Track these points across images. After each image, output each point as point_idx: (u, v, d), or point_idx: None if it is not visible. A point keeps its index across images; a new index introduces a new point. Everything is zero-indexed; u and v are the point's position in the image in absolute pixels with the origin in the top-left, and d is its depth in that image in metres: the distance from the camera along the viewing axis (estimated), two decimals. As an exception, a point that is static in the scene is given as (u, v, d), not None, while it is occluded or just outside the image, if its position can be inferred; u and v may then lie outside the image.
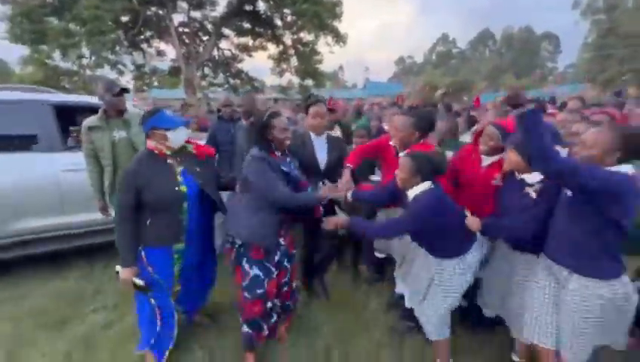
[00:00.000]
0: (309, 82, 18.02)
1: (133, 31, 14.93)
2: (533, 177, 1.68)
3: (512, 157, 1.70)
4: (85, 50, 13.21)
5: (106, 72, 14.41)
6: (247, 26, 17.37)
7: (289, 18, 16.16)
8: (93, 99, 3.16)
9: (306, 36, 16.53)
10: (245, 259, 1.93)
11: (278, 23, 16.84)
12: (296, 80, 18.67)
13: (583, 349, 1.49)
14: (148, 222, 1.82)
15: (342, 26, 16.69)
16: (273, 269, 1.97)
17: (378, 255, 2.60)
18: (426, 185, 1.72)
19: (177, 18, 15.94)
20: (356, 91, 43.39)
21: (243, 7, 16.17)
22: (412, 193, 1.74)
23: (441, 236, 1.75)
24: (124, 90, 2.48)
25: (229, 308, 2.47)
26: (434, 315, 1.84)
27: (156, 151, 1.86)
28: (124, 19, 14.50)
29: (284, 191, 1.84)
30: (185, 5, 15.66)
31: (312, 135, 2.41)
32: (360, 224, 1.90)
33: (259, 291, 1.92)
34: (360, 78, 76.19)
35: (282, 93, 19.45)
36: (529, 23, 64.18)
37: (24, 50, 13.22)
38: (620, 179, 1.34)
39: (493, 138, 1.90)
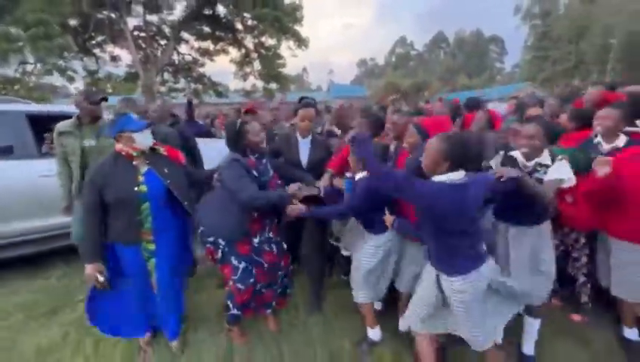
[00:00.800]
0: (273, 85, 18.14)
1: (84, 35, 14.21)
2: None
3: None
4: (29, 56, 12.37)
5: (55, 78, 13.59)
6: (207, 30, 17.14)
7: (250, 22, 16.19)
8: (68, 108, 3.29)
9: (268, 40, 16.66)
10: (233, 256, 2.10)
11: (239, 27, 16.81)
12: (260, 83, 18.70)
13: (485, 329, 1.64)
14: (109, 221, 1.90)
15: (304, 30, 17.03)
16: (258, 258, 2.15)
17: (344, 253, 2.55)
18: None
19: (132, 22, 15.38)
20: (321, 94, 44.00)
21: (202, 11, 15.94)
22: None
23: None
24: (104, 99, 2.55)
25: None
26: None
27: (123, 153, 1.91)
28: (73, 22, 13.74)
29: (253, 192, 1.98)
30: (140, 9, 15.14)
31: (298, 136, 2.57)
32: (322, 210, 2.09)
33: (250, 280, 2.12)
34: (324, 80, 77.26)
35: (246, 96, 19.35)
36: (478, 26, 68.84)
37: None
38: (426, 190, 1.48)
39: (412, 136, 2.05)
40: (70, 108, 3.30)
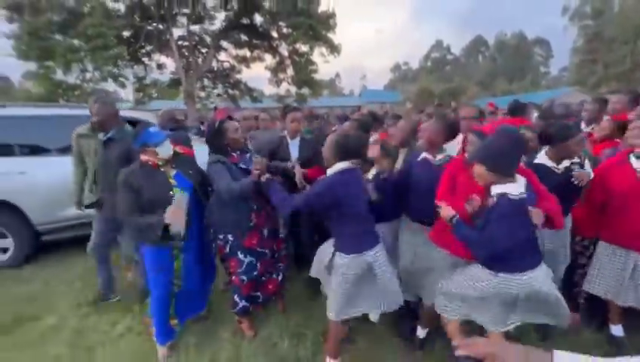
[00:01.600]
0: (306, 91, 18.60)
1: (135, 46, 15.51)
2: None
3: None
4: (88, 65, 13.76)
5: (108, 85, 14.98)
6: (244, 38, 18.02)
7: (284, 30, 16.79)
8: (129, 113, 3.80)
9: (302, 47, 17.14)
10: (240, 250, 2.26)
11: (274, 35, 17.48)
12: (293, 89, 19.25)
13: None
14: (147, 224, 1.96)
15: (337, 36, 17.32)
16: (265, 251, 2.34)
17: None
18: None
19: (177, 32, 16.57)
20: (353, 99, 44.09)
21: (240, 20, 16.81)
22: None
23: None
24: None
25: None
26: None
27: (150, 163, 2.05)
28: (127, 34, 15.07)
29: (228, 182, 2.09)
30: (184, 20, 16.29)
31: (288, 137, 2.86)
32: (274, 188, 1.97)
33: (254, 273, 2.30)
34: (357, 85, 77.23)
35: (280, 102, 20.00)
36: (521, 28, 65.44)
37: (28, 66, 13.74)
38: (325, 187, 1.74)
39: (473, 143, 1.87)
40: (127, 112, 3.78)
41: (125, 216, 1.99)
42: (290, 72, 18.46)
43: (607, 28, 26.68)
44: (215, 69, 18.48)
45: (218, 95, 19.17)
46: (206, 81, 18.80)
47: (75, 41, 12.98)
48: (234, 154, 2.28)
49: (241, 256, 2.27)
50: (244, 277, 2.28)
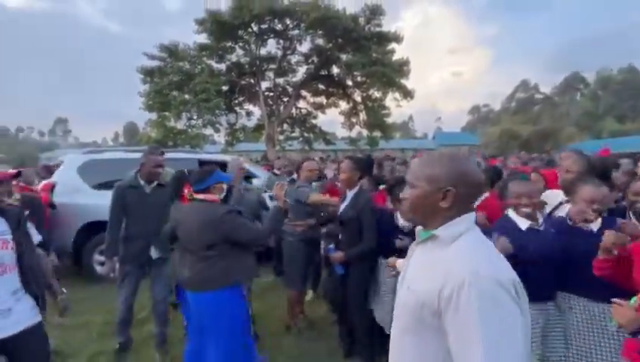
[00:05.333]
0: (378, 134, 19.01)
1: (231, 97, 18.19)
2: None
3: None
4: (194, 114, 16.59)
5: (207, 130, 17.72)
6: (321, 87, 19.65)
7: (359, 78, 17.85)
8: (220, 156, 4.44)
9: (375, 93, 17.87)
10: None
11: (349, 83, 18.70)
12: (365, 132, 19.86)
13: None
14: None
15: (410, 81, 17.68)
16: None
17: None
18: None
19: (264, 84, 19.01)
20: (426, 142, 43.07)
21: (319, 72, 18.52)
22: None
23: None
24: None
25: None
26: None
27: (208, 200, 2.02)
28: (224, 88, 17.85)
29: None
30: (271, 74, 18.67)
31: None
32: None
33: None
34: (431, 127, 75.61)
35: (352, 144, 20.72)
36: (629, 63, 57.24)
37: (150, 116, 17.15)
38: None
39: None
40: (218, 155, 4.45)
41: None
42: (362, 116, 19.23)
43: None
44: (294, 115, 20.31)
45: (295, 138, 20.81)
46: (285, 126, 20.69)
47: (186, 96, 15.91)
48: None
49: None
50: None
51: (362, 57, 15.92)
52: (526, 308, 0.78)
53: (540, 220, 1.85)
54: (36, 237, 2.04)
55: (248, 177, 4.43)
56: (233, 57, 17.51)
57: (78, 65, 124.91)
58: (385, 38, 16.85)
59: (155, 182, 2.66)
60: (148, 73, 16.15)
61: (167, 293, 2.66)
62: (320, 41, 17.19)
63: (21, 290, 1.56)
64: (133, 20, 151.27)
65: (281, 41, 17.47)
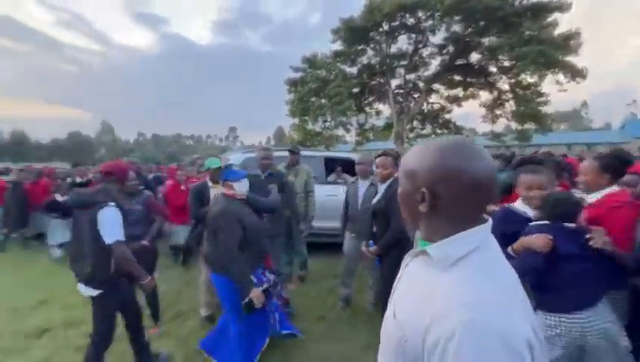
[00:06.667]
0: (531, 126, 15.90)
1: (361, 98, 18.93)
2: None
3: None
4: (328, 117, 18.14)
5: (339, 130, 19.06)
6: (458, 78, 17.91)
7: (505, 63, 15.36)
8: (345, 154, 5.17)
9: (527, 78, 14.99)
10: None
11: (493, 69, 16.33)
12: (514, 125, 16.95)
13: None
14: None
15: (582, 58, 13.89)
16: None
17: None
18: None
19: (394, 82, 18.80)
20: (608, 134, 32.92)
21: (454, 62, 16.95)
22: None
23: None
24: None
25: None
26: None
27: (237, 197, 2.28)
28: (355, 90, 18.71)
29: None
30: (402, 71, 18.30)
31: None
32: None
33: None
34: (619, 114, 57.16)
35: (495, 139, 18.02)
36: None
37: (294, 121, 19.75)
38: None
39: None
40: (346, 154, 4.95)
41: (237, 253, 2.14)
42: (509, 106, 16.47)
43: None
44: (425, 110, 19.31)
45: (425, 135, 19.78)
46: (415, 123, 19.93)
47: (323, 101, 17.54)
48: None
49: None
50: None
51: (510, 38, 13.63)
52: None
53: None
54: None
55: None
56: (364, 59, 18.08)
57: (244, 84, 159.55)
58: (544, 10, 13.85)
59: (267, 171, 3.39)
60: (292, 84, 18.61)
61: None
62: (456, 28, 15.70)
63: None
64: (282, 40, 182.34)
65: (413, 36, 16.88)
